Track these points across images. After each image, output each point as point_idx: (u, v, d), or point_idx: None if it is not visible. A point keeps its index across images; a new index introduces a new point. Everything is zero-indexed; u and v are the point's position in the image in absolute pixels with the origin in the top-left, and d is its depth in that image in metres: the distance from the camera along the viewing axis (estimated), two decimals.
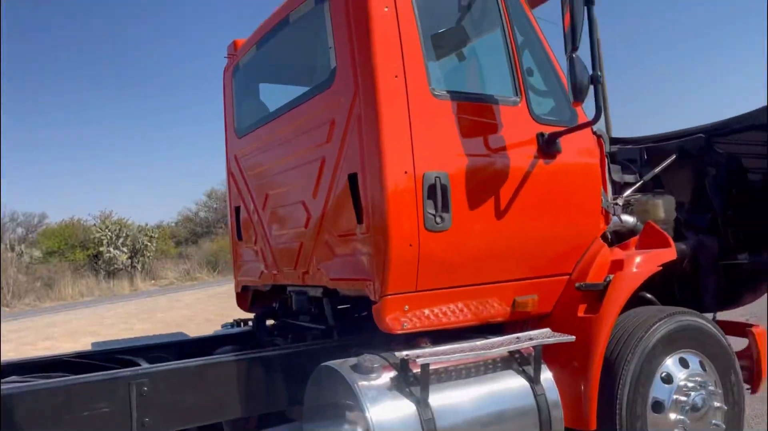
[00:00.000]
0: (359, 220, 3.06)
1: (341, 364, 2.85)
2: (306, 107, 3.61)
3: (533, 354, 3.07)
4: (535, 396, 3.02)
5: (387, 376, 2.78)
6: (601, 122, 4.21)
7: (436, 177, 2.98)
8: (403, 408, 2.74)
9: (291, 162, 3.78)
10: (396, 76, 2.95)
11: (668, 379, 3.42)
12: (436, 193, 2.97)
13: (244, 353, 3.59)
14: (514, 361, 3.09)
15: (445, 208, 3.00)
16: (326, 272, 3.47)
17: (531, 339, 3.12)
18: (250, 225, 4.41)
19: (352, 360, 2.83)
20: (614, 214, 3.88)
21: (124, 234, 24.28)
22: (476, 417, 2.93)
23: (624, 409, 3.24)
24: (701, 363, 3.60)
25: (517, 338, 3.14)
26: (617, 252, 3.68)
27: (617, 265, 3.52)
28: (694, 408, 3.46)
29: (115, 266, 23.53)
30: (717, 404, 3.52)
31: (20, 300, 18.07)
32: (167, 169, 69.41)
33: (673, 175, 4.73)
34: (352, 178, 3.07)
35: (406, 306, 3.00)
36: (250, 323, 4.62)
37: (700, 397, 3.46)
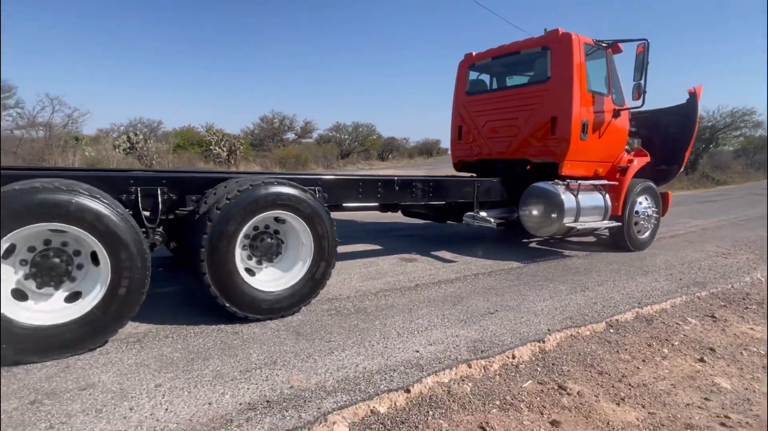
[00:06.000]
0: (553, 133, 5.71)
1: (544, 183, 5.63)
2: (528, 88, 6.00)
3: (604, 189, 5.96)
4: (604, 200, 5.90)
5: (563, 187, 5.59)
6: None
7: (584, 120, 5.71)
8: (570, 196, 5.55)
9: (512, 109, 6.07)
10: (578, 82, 5.57)
11: (641, 203, 6.35)
12: (584, 127, 5.69)
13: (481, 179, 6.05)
14: (598, 188, 5.94)
15: (585, 132, 5.73)
16: (527, 152, 6.03)
17: (602, 182, 6.00)
18: (468, 134, 6.79)
19: (549, 182, 5.63)
20: (628, 144, 6.47)
21: (223, 139, 25.86)
22: (588, 203, 5.65)
23: (628, 209, 6.13)
24: (651, 199, 6.51)
25: (598, 181, 5.99)
26: (630, 157, 6.38)
27: (630, 161, 6.34)
28: (646, 213, 6.43)
29: (219, 160, 25.10)
30: (656, 215, 6.53)
31: None
32: (233, 95, 68.92)
33: (645, 129, 7.04)
34: (554, 118, 5.70)
35: (569, 165, 5.79)
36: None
37: (650, 210, 6.46)
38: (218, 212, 3.15)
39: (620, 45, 6.00)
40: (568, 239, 7.43)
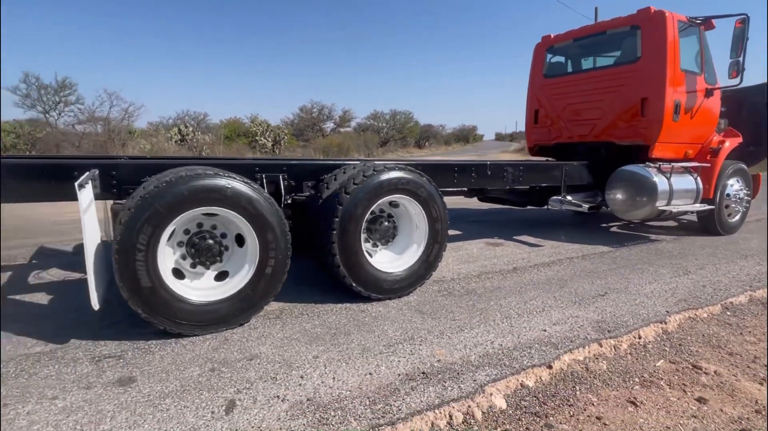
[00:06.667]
0: (643, 115, 5.60)
1: (635, 166, 5.54)
2: (615, 69, 5.86)
3: (695, 171, 5.82)
4: (696, 183, 5.76)
5: (655, 169, 5.48)
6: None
7: (677, 101, 5.57)
8: (663, 179, 5.43)
9: (596, 91, 5.97)
10: (671, 61, 5.43)
11: (732, 185, 6.16)
12: (676, 108, 5.55)
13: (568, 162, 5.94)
14: (689, 171, 5.81)
15: (678, 113, 5.59)
16: (612, 135, 5.92)
17: (693, 164, 5.87)
18: (546, 118, 6.74)
19: (640, 165, 5.53)
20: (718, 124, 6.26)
21: (268, 130, 26.40)
22: (680, 186, 5.52)
23: (719, 192, 5.97)
24: (742, 182, 6.30)
25: (690, 163, 5.85)
26: (720, 138, 6.19)
27: (722, 143, 6.14)
28: (738, 196, 6.25)
29: (264, 150, 25.63)
30: (747, 198, 6.34)
31: None
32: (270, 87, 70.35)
33: (729, 108, 6.70)
34: (644, 99, 5.58)
35: (660, 148, 5.67)
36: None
37: (741, 193, 6.25)
38: (347, 196, 3.31)
39: (713, 21, 5.78)
40: (648, 224, 7.29)
